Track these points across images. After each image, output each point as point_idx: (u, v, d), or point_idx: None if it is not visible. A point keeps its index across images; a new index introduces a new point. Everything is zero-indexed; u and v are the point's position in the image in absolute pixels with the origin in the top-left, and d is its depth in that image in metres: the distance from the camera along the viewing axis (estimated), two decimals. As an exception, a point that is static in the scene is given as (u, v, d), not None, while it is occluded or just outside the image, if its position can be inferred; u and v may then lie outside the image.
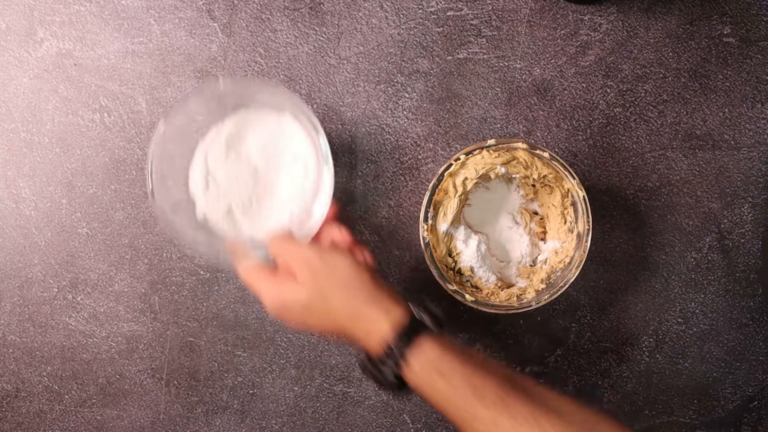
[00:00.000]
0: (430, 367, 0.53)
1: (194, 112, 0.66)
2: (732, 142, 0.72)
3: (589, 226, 0.66)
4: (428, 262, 0.67)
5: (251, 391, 0.74)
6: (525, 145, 0.66)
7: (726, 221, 0.73)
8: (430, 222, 0.67)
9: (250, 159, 0.69)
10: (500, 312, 0.66)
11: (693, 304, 0.73)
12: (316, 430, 0.74)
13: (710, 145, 0.72)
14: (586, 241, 0.66)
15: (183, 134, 0.67)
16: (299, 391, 0.74)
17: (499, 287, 0.69)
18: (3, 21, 0.73)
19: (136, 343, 0.74)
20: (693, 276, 0.73)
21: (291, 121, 0.68)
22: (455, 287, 0.67)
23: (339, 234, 0.63)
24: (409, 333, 0.55)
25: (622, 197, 0.73)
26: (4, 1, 0.73)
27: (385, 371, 0.55)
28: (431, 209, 0.67)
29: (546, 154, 0.66)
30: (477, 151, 0.67)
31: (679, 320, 0.73)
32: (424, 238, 0.67)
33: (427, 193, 0.67)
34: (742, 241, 0.73)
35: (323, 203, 0.64)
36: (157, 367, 0.74)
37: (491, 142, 0.67)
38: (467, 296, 0.66)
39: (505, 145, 0.67)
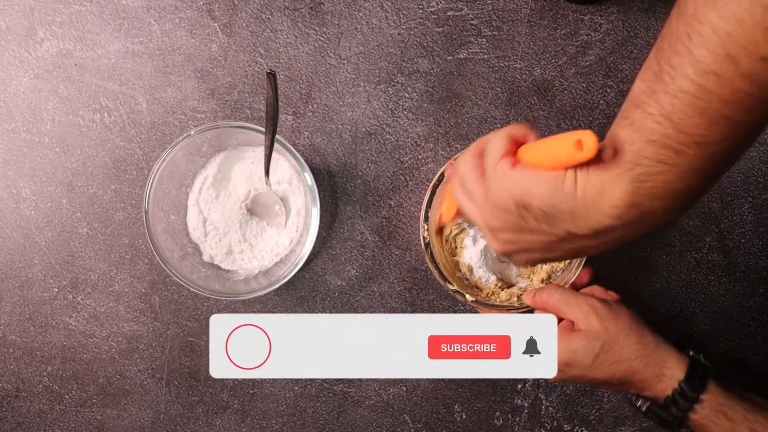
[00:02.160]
0: (717, 410, 0.58)
1: (178, 164, 0.69)
2: (732, 142, 0.72)
3: None
4: (428, 262, 0.67)
5: (251, 391, 0.74)
6: None
7: (726, 221, 0.73)
8: (429, 222, 0.67)
9: (238, 195, 0.72)
10: (501, 312, 0.66)
11: (693, 304, 0.73)
12: (316, 430, 0.74)
13: (710, 145, 0.72)
14: None
15: (172, 191, 0.70)
16: (299, 391, 0.74)
17: (500, 287, 0.69)
18: (3, 21, 0.73)
19: (137, 343, 0.74)
20: (693, 276, 0.73)
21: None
22: (456, 287, 0.67)
23: (605, 293, 0.65)
24: (701, 377, 0.59)
25: (623, 197, 0.73)
26: (4, 1, 0.73)
27: (674, 412, 0.59)
28: (431, 209, 0.67)
29: None
30: None
31: (680, 320, 0.73)
32: (424, 238, 0.67)
33: (427, 194, 0.67)
34: (743, 240, 0.73)
35: (314, 223, 0.67)
36: (158, 367, 0.74)
37: None
38: (468, 296, 0.66)
39: None
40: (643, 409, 0.63)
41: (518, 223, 0.46)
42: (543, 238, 0.46)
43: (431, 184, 0.67)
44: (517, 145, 0.46)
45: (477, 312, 0.68)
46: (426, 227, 0.67)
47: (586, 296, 0.62)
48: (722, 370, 0.73)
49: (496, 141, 0.47)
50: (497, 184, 0.46)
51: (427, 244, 0.67)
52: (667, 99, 0.37)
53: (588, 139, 0.39)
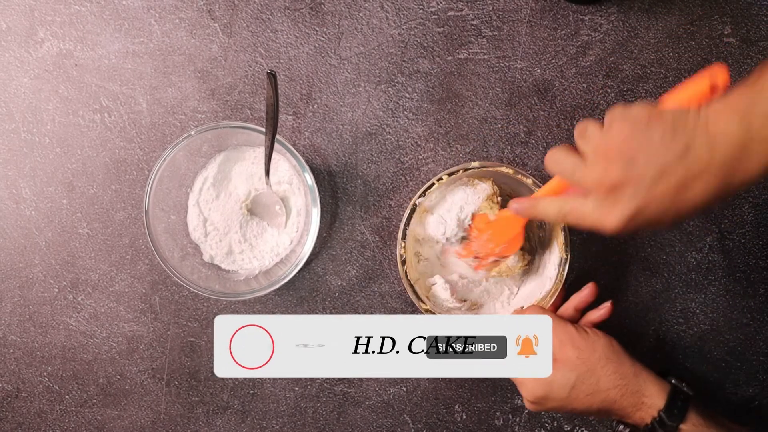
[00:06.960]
0: None
1: (179, 165, 0.69)
2: (732, 142, 0.72)
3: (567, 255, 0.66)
4: (403, 278, 0.67)
5: (252, 392, 0.74)
6: (509, 170, 0.65)
7: (726, 221, 0.73)
8: (407, 240, 0.67)
9: (239, 195, 0.72)
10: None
11: (693, 304, 0.73)
12: (316, 430, 0.74)
13: (711, 145, 0.72)
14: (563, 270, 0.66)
15: (173, 191, 0.70)
16: (300, 392, 0.74)
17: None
18: (4, 21, 0.73)
19: (137, 344, 0.74)
20: (693, 276, 0.73)
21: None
22: (429, 306, 0.67)
23: (598, 315, 0.65)
24: (681, 406, 0.58)
25: (623, 197, 0.73)
26: (4, 2, 0.73)
27: None
28: (409, 227, 0.67)
29: (529, 181, 0.65)
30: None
31: (680, 320, 0.73)
32: (401, 255, 0.66)
33: (407, 212, 0.66)
34: (743, 241, 0.73)
35: (315, 223, 0.67)
36: (158, 367, 0.74)
37: (474, 164, 0.66)
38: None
39: (487, 168, 0.66)
40: None
41: (642, 140, 0.47)
42: (662, 154, 0.47)
43: (411, 203, 0.66)
44: None
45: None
46: (403, 245, 0.66)
47: (565, 323, 0.62)
48: (724, 371, 0.73)
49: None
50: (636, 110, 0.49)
51: (404, 261, 0.67)
52: None
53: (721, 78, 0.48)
